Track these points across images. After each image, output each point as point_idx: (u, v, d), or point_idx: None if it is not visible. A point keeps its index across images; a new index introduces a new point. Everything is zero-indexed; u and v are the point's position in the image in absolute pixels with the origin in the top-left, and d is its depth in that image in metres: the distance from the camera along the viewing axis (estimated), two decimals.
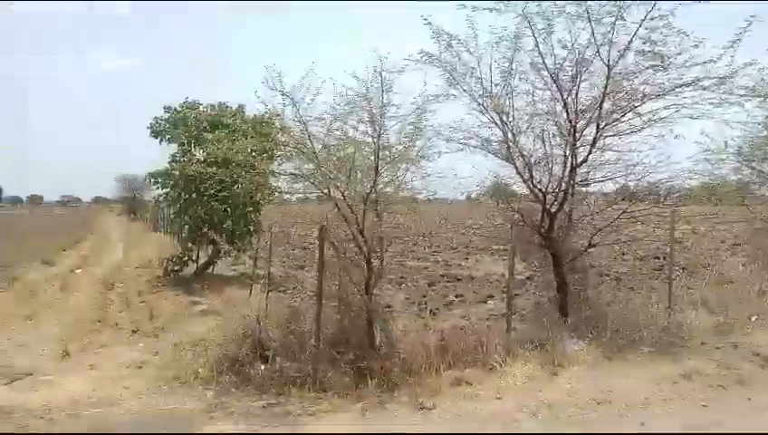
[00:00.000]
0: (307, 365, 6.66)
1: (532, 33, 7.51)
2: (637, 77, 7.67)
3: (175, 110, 15.59)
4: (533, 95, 8.11)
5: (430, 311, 11.10)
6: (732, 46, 7.09)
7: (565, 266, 8.42)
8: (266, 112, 7.75)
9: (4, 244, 28.71)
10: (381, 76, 6.91)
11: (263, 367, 6.81)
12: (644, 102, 7.76)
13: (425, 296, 12.78)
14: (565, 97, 7.95)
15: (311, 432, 5.45)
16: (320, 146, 7.17)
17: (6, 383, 7.12)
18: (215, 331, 8.51)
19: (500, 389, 6.15)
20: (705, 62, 7.26)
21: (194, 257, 16.24)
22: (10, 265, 19.22)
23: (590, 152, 8.04)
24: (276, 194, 9.13)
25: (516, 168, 8.28)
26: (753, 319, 8.65)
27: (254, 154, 9.25)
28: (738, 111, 7.79)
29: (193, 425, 5.60)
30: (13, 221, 57.97)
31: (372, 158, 7.12)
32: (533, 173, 8.27)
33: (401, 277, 14.74)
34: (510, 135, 8.10)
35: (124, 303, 12.96)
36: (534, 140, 8.26)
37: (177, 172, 14.83)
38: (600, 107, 7.76)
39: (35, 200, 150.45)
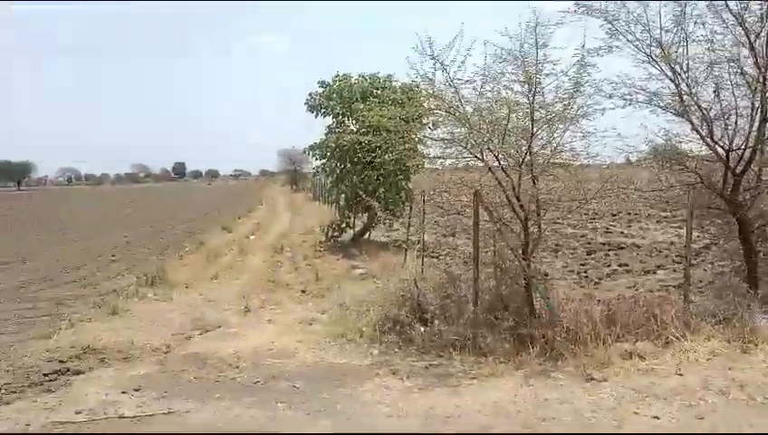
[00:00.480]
0: (466, 329, 6.71)
1: None
2: None
3: (328, 84, 16.33)
4: (712, 41, 7.21)
5: (591, 280, 10.57)
6: None
7: (754, 233, 7.45)
8: (414, 79, 7.74)
9: (190, 213, 32.69)
10: (536, 32, 6.56)
11: (422, 329, 6.99)
12: None
13: (584, 265, 12.18)
14: (753, 40, 6.93)
15: None
16: (471, 109, 7.04)
17: (200, 334, 8.12)
18: (375, 293, 8.91)
19: (680, 364, 5.65)
20: None
21: (351, 224, 17.12)
22: (199, 232, 21.89)
23: None
24: (426, 161, 9.18)
25: (692, 123, 7.45)
26: None
27: (403, 121, 9.38)
28: None
29: (363, 379, 5.93)
30: (195, 192, 65.60)
31: (527, 119, 6.83)
32: (713, 129, 7.39)
33: (557, 245, 14.18)
34: (684, 87, 7.30)
35: (292, 265, 14.09)
36: (714, 92, 7.36)
37: (333, 143, 15.60)
38: None
39: (212, 174, 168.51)
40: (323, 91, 16.19)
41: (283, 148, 66.89)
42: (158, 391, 5.82)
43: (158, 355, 7.13)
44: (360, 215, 17.47)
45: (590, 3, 7.11)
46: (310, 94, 16.41)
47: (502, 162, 6.84)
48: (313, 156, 16.92)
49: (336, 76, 16.36)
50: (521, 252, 6.96)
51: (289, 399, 5.51)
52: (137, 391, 5.83)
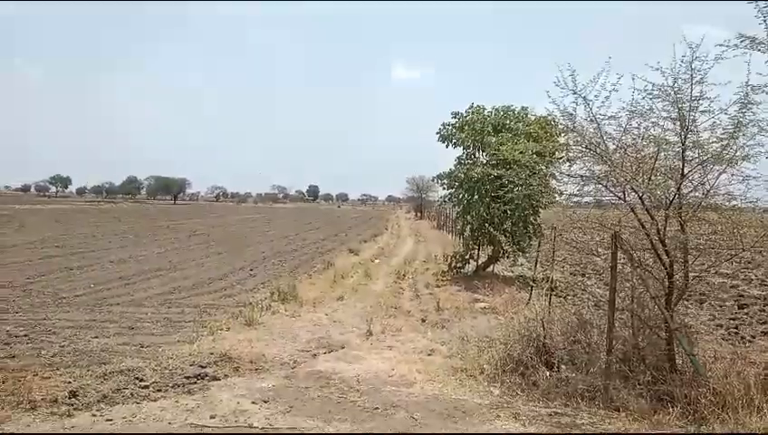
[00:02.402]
0: (596, 379, 6.28)
1: None
2: None
3: (461, 115, 16.44)
4: None
5: (743, 338, 9.44)
6: None
7: None
8: (551, 113, 7.52)
9: (320, 234, 34.27)
10: (691, 67, 6.12)
11: (548, 373, 6.66)
12: None
13: (734, 319, 10.94)
14: None
15: None
16: (613, 146, 6.71)
17: (325, 353, 8.42)
18: (497, 329, 8.68)
19: None
20: None
21: (475, 256, 16.92)
22: (327, 252, 22.89)
23: None
24: (557, 197, 8.86)
25: None
26: None
27: (535, 156, 9.16)
28: None
29: (483, 420, 5.77)
30: (326, 214, 68.75)
31: (677, 158, 6.36)
32: None
33: (703, 295, 12.87)
34: None
35: (414, 293, 14.18)
36: None
37: (462, 174, 15.61)
38: None
39: (341, 198, 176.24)
40: (456, 122, 16.33)
41: (410, 175, 68.23)
42: (284, 404, 6.10)
43: (285, 369, 7.50)
44: (484, 247, 17.24)
45: (754, 36, 6.47)
46: (442, 124, 16.64)
47: (646, 203, 6.40)
48: (441, 185, 17.06)
49: (470, 108, 16.45)
50: (663, 301, 6.43)
51: (407, 429, 5.50)
52: (265, 402, 6.16)
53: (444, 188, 17.05)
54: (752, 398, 5.60)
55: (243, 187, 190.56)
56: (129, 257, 19.55)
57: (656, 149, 6.35)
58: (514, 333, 7.61)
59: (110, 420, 5.58)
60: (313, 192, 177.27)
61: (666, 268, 6.39)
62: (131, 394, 6.25)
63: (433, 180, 19.53)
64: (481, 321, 10.38)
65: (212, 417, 5.71)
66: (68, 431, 5.31)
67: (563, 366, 6.67)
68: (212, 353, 7.69)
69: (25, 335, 8.67)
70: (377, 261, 21.21)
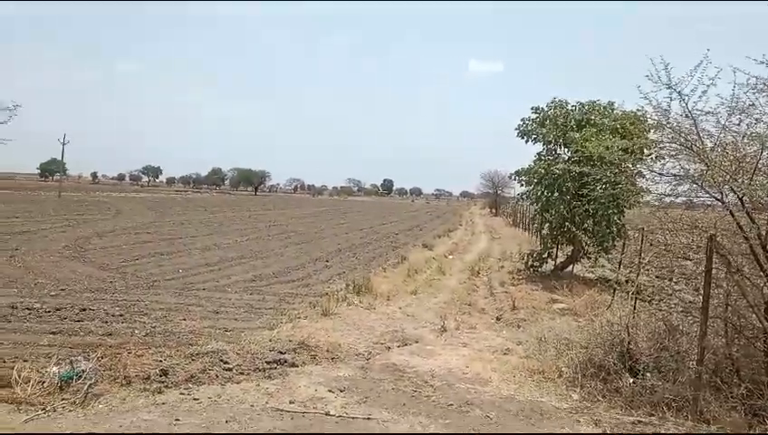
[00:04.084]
0: (685, 389, 5.94)
1: None
2: None
3: (542, 110, 15.98)
4: None
5: None
6: None
7: None
8: (640, 109, 7.14)
9: (394, 228, 34.50)
10: None
11: (631, 380, 6.38)
12: None
13: None
14: None
15: None
16: (711, 144, 6.30)
17: (399, 346, 8.48)
18: (577, 332, 8.40)
19: None
20: None
21: (553, 255, 16.44)
22: (402, 246, 23.03)
23: None
24: (645, 196, 8.42)
25: None
26: None
27: (622, 153, 8.74)
28: None
29: (562, 424, 5.61)
30: (400, 208, 69.12)
31: None
32: None
33: None
34: None
35: (488, 290, 14.00)
36: None
37: (543, 170, 15.19)
38: None
39: (415, 192, 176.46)
40: (536, 118, 15.91)
41: (486, 170, 67.22)
42: (359, 395, 6.21)
43: (360, 360, 7.62)
44: (562, 246, 16.71)
45: None
46: (522, 120, 16.25)
47: (746, 205, 5.97)
48: (519, 182, 16.69)
49: (552, 102, 15.96)
50: (762, 310, 5.98)
51: (482, 428, 5.44)
52: (341, 391, 6.29)
53: (521, 185, 16.67)
54: None
55: (319, 180, 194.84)
56: (214, 245, 20.53)
57: (759, 147, 5.90)
58: (596, 336, 7.34)
59: (197, 399, 5.89)
60: (388, 186, 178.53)
61: (766, 275, 5.94)
62: (216, 375, 6.57)
63: (510, 177, 19.08)
64: (559, 322, 10.08)
65: (291, 402, 5.90)
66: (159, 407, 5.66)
67: (648, 374, 6.35)
68: (290, 341, 7.94)
69: (121, 315, 9.31)
70: (451, 257, 21.10)
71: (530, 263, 16.30)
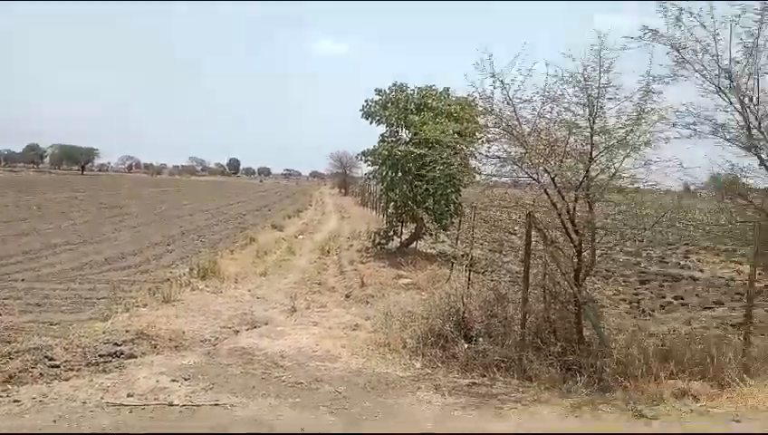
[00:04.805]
0: (511, 351, 6.63)
1: None
2: None
3: (384, 92, 16.45)
4: None
5: (644, 311, 10.24)
6: None
7: None
8: (470, 95, 7.71)
9: (242, 209, 33.51)
10: (600, 55, 6.45)
11: (466, 346, 6.94)
12: None
13: (637, 295, 11.84)
14: None
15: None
16: (528, 129, 6.96)
17: (248, 329, 8.33)
18: (420, 304, 8.90)
19: (737, 410, 5.39)
20: None
21: (398, 233, 17.17)
22: (250, 227, 22.44)
23: None
24: (477, 176, 9.14)
25: (761, 158, 7.14)
26: None
27: (456, 136, 9.35)
28: None
29: (405, 392, 5.94)
30: (248, 189, 67.20)
31: (586, 142, 6.71)
32: None
33: (608, 271, 13.78)
34: (753, 120, 7.00)
35: (338, 269, 14.24)
36: None
37: (386, 151, 15.69)
38: None
39: (264, 172, 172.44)
40: (379, 100, 16.34)
41: (335, 151, 67.73)
42: (206, 382, 6.00)
43: (206, 346, 7.36)
44: (407, 224, 17.51)
45: (656, 29, 6.92)
46: (366, 101, 16.58)
47: (558, 184, 6.73)
48: (365, 162, 17.09)
49: (393, 85, 16.49)
50: (572, 277, 6.84)
51: (332, 403, 5.57)
52: (186, 380, 6.03)
53: (368, 165, 17.10)
54: (650, 366, 6.11)
55: (158, 158, 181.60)
56: (34, 230, 18.28)
57: (567, 133, 6.67)
58: (435, 307, 7.85)
59: (18, 401, 5.28)
60: (234, 165, 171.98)
61: (575, 246, 6.77)
62: (41, 374, 5.95)
63: (357, 157, 19.45)
64: (404, 296, 10.59)
65: (129, 395, 5.54)
66: None
67: (481, 339, 6.97)
68: (127, 331, 7.40)
69: None
70: (301, 237, 21.08)
71: (377, 241, 16.84)
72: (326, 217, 31.83)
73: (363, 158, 17.23)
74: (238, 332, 8.19)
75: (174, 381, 5.99)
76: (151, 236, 18.42)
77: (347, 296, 11.06)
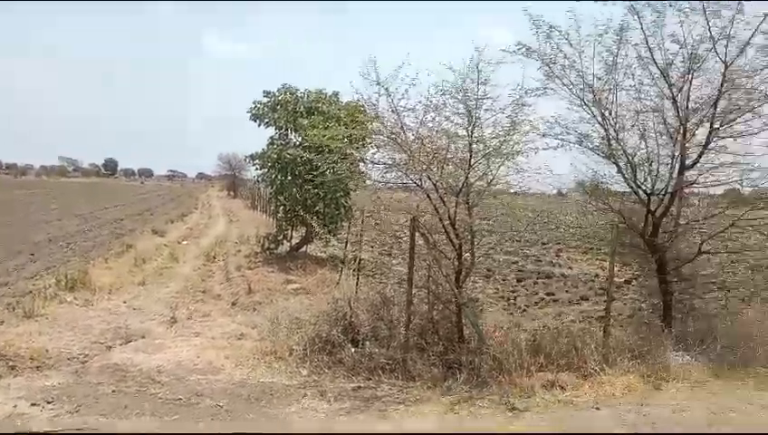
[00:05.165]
0: (396, 353, 6.77)
1: (641, 25, 7.13)
2: (757, 75, 7.08)
3: (273, 94, 16.19)
4: (639, 91, 7.75)
5: (519, 308, 10.92)
6: None
7: (670, 273, 7.95)
8: (359, 101, 7.86)
9: (119, 213, 31.34)
10: (478, 68, 6.82)
11: (353, 350, 6.99)
12: (765, 103, 7.13)
13: (514, 292, 12.58)
14: (675, 94, 7.49)
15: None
16: (413, 136, 7.18)
17: (122, 344, 7.80)
18: (307, 310, 8.83)
19: (597, 398, 5.91)
20: None
21: (288, 237, 16.93)
22: (128, 233, 21.02)
23: (701, 154, 7.55)
24: (367, 181, 9.28)
25: (618, 166, 7.92)
26: None
27: (346, 141, 9.44)
28: None
29: (290, 401, 5.85)
30: (127, 191, 63.02)
31: (466, 150, 7.06)
32: (637, 173, 7.88)
33: (489, 271, 14.57)
34: (612, 132, 7.76)
35: (224, 275, 13.74)
36: (639, 139, 7.87)
37: (275, 155, 15.43)
38: (715, 106, 7.27)
39: (145, 173, 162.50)
40: (268, 102, 16.04)
41: (223, 152, 65.43)
42: (72, 404, 5.54)
43: (74, 365, 6.81)
44: (298, 228, 17.33)
45: (529, 45, 7.44)
46: (254, 103, 16.20)
47: (439, 190, 6.99)
48: (254, 165, 16.69)
49: (282, 87, 16.26)
50: (453, 278, 7.13)
51: (212, 418, 5.37)
52: (49, 403, 5.54)
53: (257, 169, 16.70)
54: (523, 361, 6.52)
55: (22, 158, 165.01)
56: None
57: (447, 141, 6.96)
58: (323, 313, 7.83)
59: None
60: (111, 166, 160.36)
61: (456, 249, 7.08)
62: None
63: (245, 160, 18.95)
64: (293, 302, 10.45)
65: None
66: None
67: (368, 342, 7.05)
68: None
69: None
70: (185, 242, 20.12)
71: (266, 245, 16.49)
72: (213, 221, 30.63)
73: (251, 161, 16.82)
74: (111, 347, 7.65)
75: (34, 405, 5.48)
76: (12, 244, 16.68)
77: (233, 304, 10.72)
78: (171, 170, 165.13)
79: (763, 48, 6.96)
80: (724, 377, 6.44)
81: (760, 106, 7.24)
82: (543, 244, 20.86)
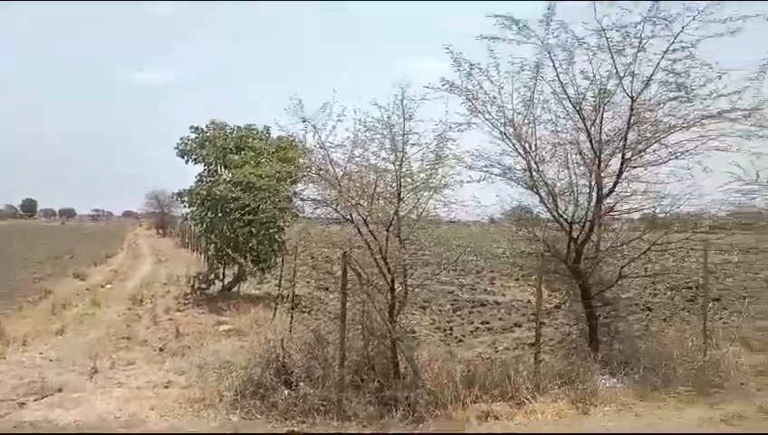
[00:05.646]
0: (331, 393, 6.61)
1: (553, 63, 7.51)
2: (661, 108, 7.59)
3: (202, 130, 15.90)
4: (556, 124, 8.12)
5: (456, 338, 10.99)
6: (757, 78, 6.97)
7: (594, 298, 8.25)
8: (289, 137, 7.86)
9: (37, 256, 29.44)
10: (403, 104, 6.98)
11: (287, 392, 6.78)
12: (670, 134, 7.65)
13: (450, 322, 12.67)
14: (588, 127, 7.90)
15: None
16: (341, 172, 7.22)
17: (36, 399, 7.23)
18: (239, 353, 8.54)
19: (529, 426, 5.98)
20: (730, 94, 7.14)
21: (220, 276, 16.43)
22: (46, 278, 19.74)
23: (616, 183, 7.95)
24: (300, 216, 9.21)
25: (540, 196, 8.23)
26: None
27: (277, 178, 9.37)
28: None
29: None
30: (47, 232, 59.51)
31: (394, 184, 7.15)
32: (558, 202, 8.20)
33: (425, 302, 14.63)
34: (533, 164, 8.07)
35: (152, 319, 13.10)
36: (558, 170, 8.23)
37: (204, 192, 15.06)
38: (625, 138, 7.70)
39: (67, 213, 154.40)
40: (196, 138, 15.71)
41: (151, 189, 63.20)
42: None
43: None
44: (231, 265, 16.86)
45: (452, 81, 7.69)
46: (181, 139, 15.82)
47: (370, 225, 7.01)
48: (182, 203, 16.20)
49: (211, 123, 15.99)
50: (387, 313, 7.10)
51: None
52: None
53: (185, 206, 16.21)
54: (458, 393, 6.54)
55: None
56: None
57: (376, 176, 7.03)
58: (255, 355, 7.58)
59: None
60: (29, 206, 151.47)
61: (388, 283, 7.08)
62: None
63: (172, 198, 18.38)
64: (224, 344, 10.08)
65: None
66: None
67: (302, 383, 6.86)
68: None
69: None
70: (109, 286, 19.12)
71: (196, 286, 15.92)
72: (140, 262, 29.33)
73: (179, 198, 16.34)
74: (24, 404, 7.08)
75: None
76: None
77: (160, 349, 10.21)
78: (95, 210, 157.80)
79: (664, 83, 7.48)
80: (647, 398, 6.68)
81: (665, 137, 7.74)
82: (478, 272, 21.22)
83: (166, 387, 7.78)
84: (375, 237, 6.94)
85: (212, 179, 15.31)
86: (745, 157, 8.14)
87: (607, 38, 7.13)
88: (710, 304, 10.19)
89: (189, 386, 7.62)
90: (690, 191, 7.67)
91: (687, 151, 7.63)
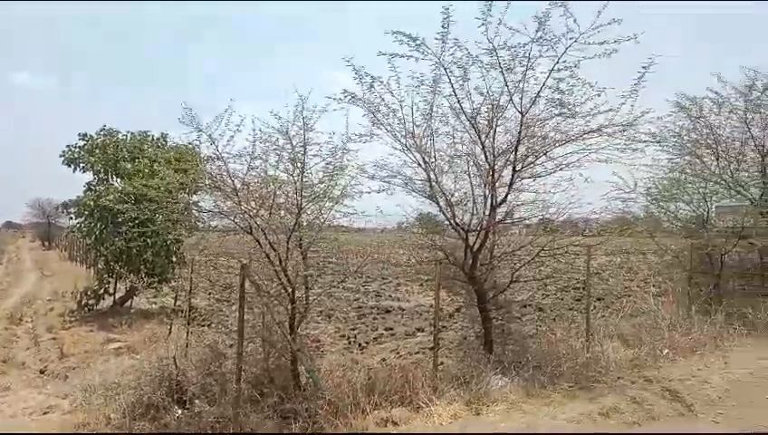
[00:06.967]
0: (228, 409, 6.41)
1: (449, 79, 7.77)
2: (547, 123, 8.08)
3: (91, 137, 14.96)
4: (454, 137, 8.36)
5: (359, 345, 11.04)
6: (630, 95, 7.63)
7: (489, 302, 8.61)
8: (187, 145, 7.60)
9: None
10: (302, 115, 6.95)
11: (180, 412, 6.50)
12: (555, 147, 8.17)
13: (354, 329, 12.71)
14: (483, 140, 8.22)
15: None
16: (239, 183, 7.08)
17: None
18: (130, 372, 8.08)
19: (426, 429, 6.11)
20: (608, 111, 7.76)
21: (111, 290, 15.44)
22: None
23: (508, 193, 8.35)
24: (200, 227, 8.89)
25: (439, 206, 8.47)
26: (665, 352, 9.09)
27: (170, 189, 9.01)
28: (642, 155, 8.40)
29: None
30: None
31: (295, 195, 7.09)
32: (455, 212, 8.48)
33: (331, 310, 14.60)
34: (432, 175, 8.29)
35: (32, 340, 12.09)
36: (456, 180, 8.50)
37: (92, 202, 14.12)
38: (516, 150, 8.10)
39: None
40: (85, 145, 14.72)
41: (35, 198, 58.35)
42: None
43: None
44: (123, 279, 15.89)
45: (354, 93, 7.75)
46: (68, 146, 14.76)
47: (269, 236, 6.89)
48: (68, 215, 15.10)
49: (101, 130, 15.05)
50: (287, 325, 7.00)
51: None
52: None
53: (71, 218, 15.11)
54: (358, 401, 6.54)
55: None
56: None
57: (274, 187, 6.93)
58: (145, 374, 7.20)
59: None
60: None
61: (289, 295, 6.99)
62: None
63: (58, 210, 17.10)
64: (114, 363, 9.51)
65: None
66: None
67: (197, 401, 6.60)
68: None
69: None
70: None
71: (84, 302, 14.87)
72: (21, 277, 26.91)
73: (65, 210, 15.22)
74: None
75: None
76: None
77: (41, 372, 9.46)
78: None
79: (551, 100, 7.97)
80: (535, 396, 7.03)
81: (552, 150, 8.25)
82: (384, 278, 21.50)
83: (45, 413, 7.23)
84: (274, 248, 6.83)
85: (102, 188, 14.39)
86: (625, 168, 8.90)
87: (498, 57, 7.47)
88: (593, 304, 10.95)
89: (73, 410, 7.13)
90: (574, 200, 8.22)
91: (571, 163, 8.16)
